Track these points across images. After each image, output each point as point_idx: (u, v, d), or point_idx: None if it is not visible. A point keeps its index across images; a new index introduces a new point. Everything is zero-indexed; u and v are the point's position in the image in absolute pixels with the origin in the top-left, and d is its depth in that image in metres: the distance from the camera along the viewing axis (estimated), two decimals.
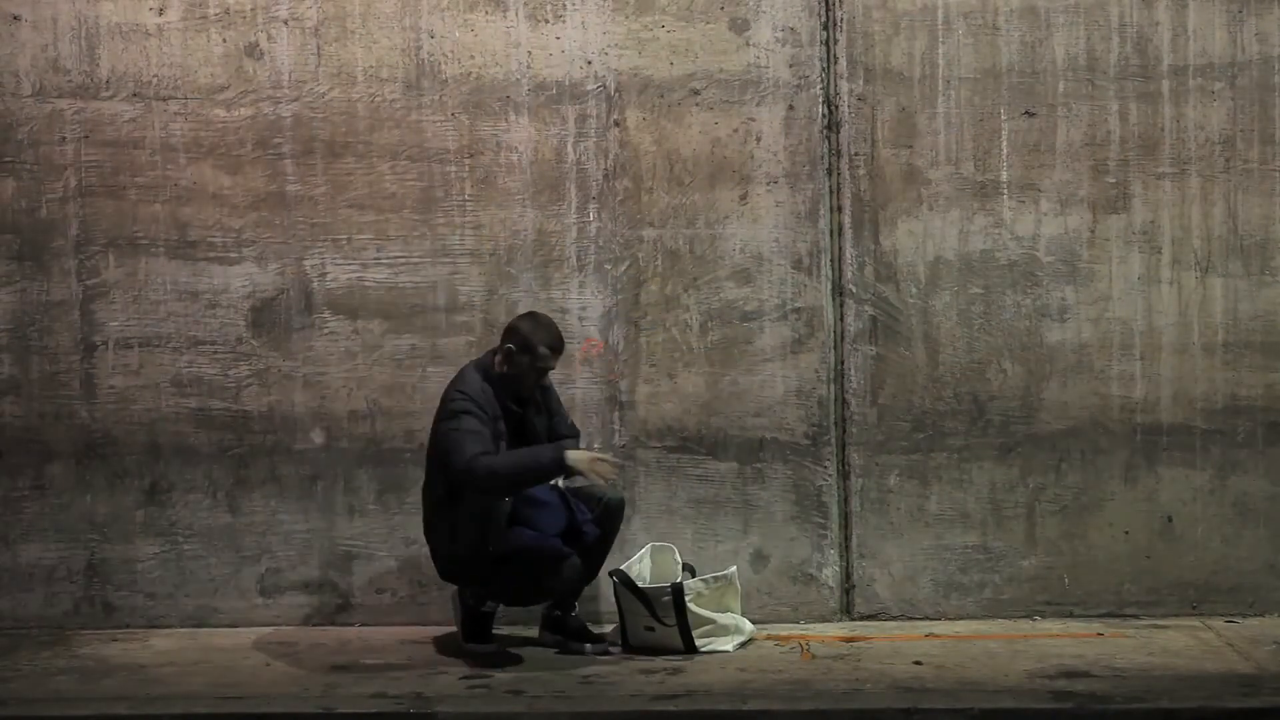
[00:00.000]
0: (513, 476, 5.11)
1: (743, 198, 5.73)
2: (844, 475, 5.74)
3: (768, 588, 5.75)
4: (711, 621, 5.33)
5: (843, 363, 5.73)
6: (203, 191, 5.77)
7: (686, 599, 5.26)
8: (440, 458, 5.17)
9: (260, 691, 4.98)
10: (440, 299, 5.73)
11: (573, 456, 5.06)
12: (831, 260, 5.73)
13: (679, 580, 5.32)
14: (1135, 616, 5.69)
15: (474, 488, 5.08)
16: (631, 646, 5.37)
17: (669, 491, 5.76)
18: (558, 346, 5.28)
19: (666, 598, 5.27)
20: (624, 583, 5.33)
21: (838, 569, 5.75)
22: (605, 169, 5.74)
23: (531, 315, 5.35)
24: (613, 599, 5.44)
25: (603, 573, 5.44)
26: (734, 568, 5.49)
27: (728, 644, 5.33)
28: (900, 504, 5.74)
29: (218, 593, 5.81)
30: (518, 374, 5.23)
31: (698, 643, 5.27)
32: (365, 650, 5.44)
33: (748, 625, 5.45)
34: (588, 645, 5.36)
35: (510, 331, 5.27)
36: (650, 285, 5.76)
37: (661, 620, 5.27)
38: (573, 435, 5.45)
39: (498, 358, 5.25)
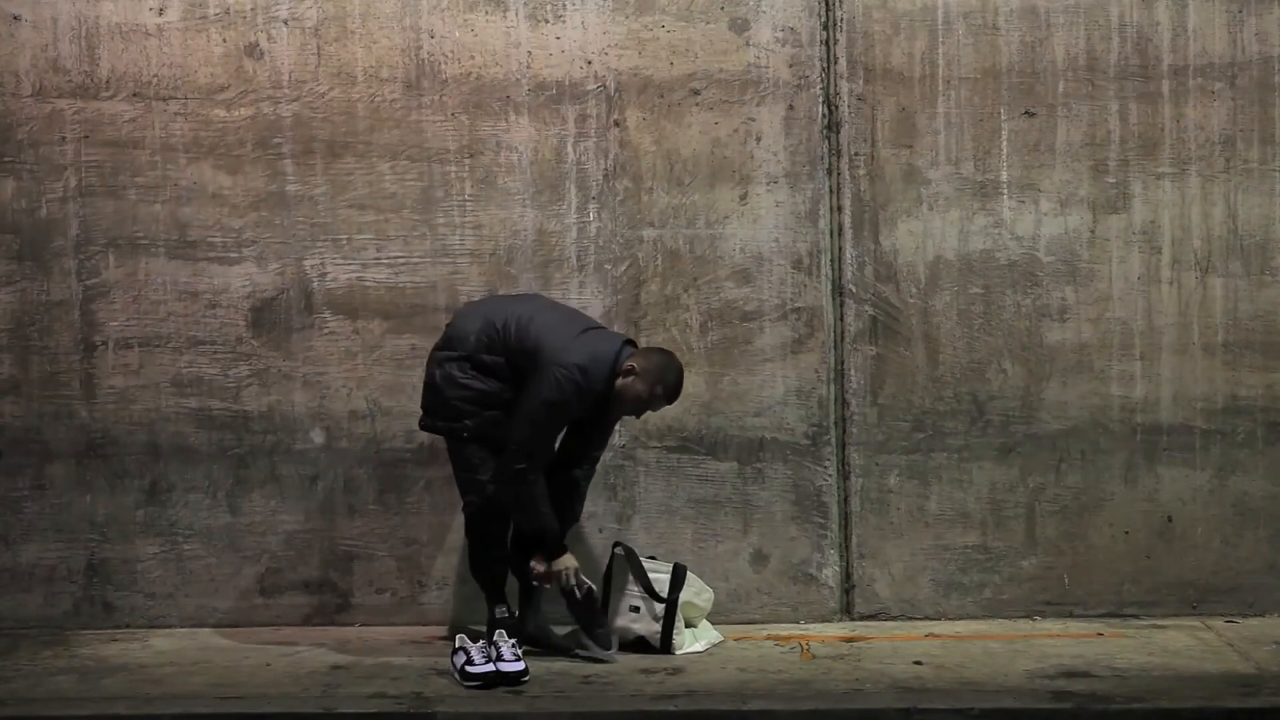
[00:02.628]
0: (523, 513, 5.19)
1: (743, 198, 5.73)
2: (844, 475, 5.74)
3: (768, 588, 5.75)
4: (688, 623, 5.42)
5: (843, 363, 5.73)
6: (203, 191, 5.77)
7: (685, 585, 5.35)
8: (521, 410, 5.13)
9: (260, 691, 4.98)
10: (440, 299, 5.73)
11: (559, 563, 5.23)
12: (831, 260, 5.73)
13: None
14: (1135, 616, 5.69)
15: (502, 472, 5.14)
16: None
17: (669, 491, 5.76)
18: (673, 398, 5.24)
19: (665, 575, 5.35)
20: (627, 554, 5.38)
21: (838, 569, 5.75)
22: (605, 169, 5.74)
23: (666, 354, 5.25)
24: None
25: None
26: (711, 593, 5.52)
27: (699, 645, 5.37)
28: (900, 504, 5.74)
29: (218, 593, 5.81)
30: (621, 398, 5.15)
31: (675, 639, 5.30)
32: (365, 650, 5.45)
33: (715, 634, 5.49)
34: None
35: (644, 355, 5.21)
36: (650, 285, 5.76)
37: (655, 596, 5.30)
38: (590, 463, 5.41)
39: (627, 365, 5.13)
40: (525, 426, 5.10)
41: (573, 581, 5.24)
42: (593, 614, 5.29)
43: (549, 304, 5.48)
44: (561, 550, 5.24)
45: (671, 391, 5.20)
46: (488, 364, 5.22)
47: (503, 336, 5.21)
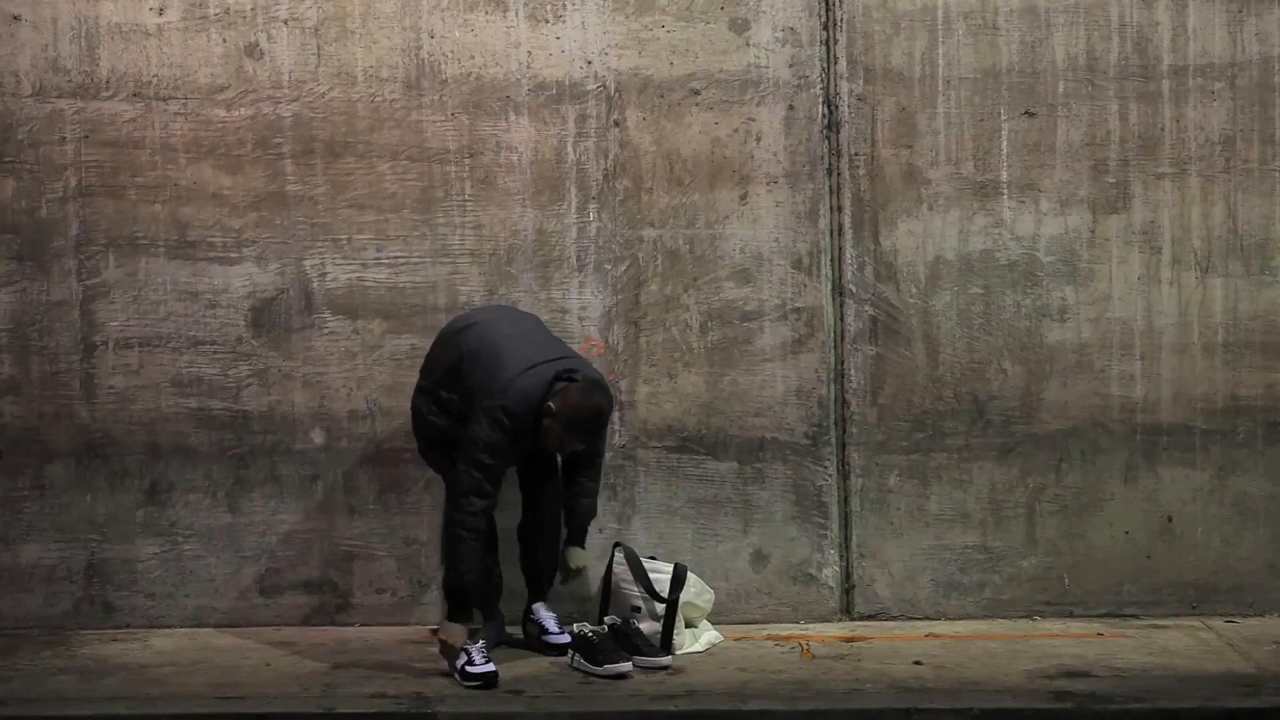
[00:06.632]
0: (459, 562, 5.04)
1: (743, 198, 5.73)
2: (844, 475, 5.74)
3: (768, 588, 5.75)
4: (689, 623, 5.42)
5: (843, 363, 5.73)
6: (203, 191, 5.77)
7: (685, 585, 5.35)
8: (464, 452, 5.00)
9: (260, 691, 4.98)
10: (440, 299, 5.73)
11: (446, 630, 5.05)
12: (831, 260, 5.73)
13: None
14: (1135, 616, 5.69)
15: (451, 503, 5.06)
16: None
17: (669, 491, 5.76)
18: (588, 440, 5.09)
19: (665, 575, 5.35)
20: (628, 556, 5.39)
21: (838, 569, 5.75)
22: (605, 169, 5.74)
23: (586, 393, 4.98)
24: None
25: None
26: (711, 593, 5.51)
27: (699, 645, 5.36)
28: (900, 504, 5.74)
29: (218, 593, 5.81)
30: (544, 437, 5.04)
31: (675, 639, 5.30)
32: (365, 650, 5.45)
33: (715, 634, 5.48)
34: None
35: (563, 396, 4.97)
36: (650, 285, 5.76)
37: (656, 596, 5.30)
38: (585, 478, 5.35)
39: (548, 405, 4.97)
40: (473, 469, 4.97)
41: (451, 657, 5.05)
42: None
43: (512, 333, 5.23)
44: (459, 618, 5.08)
45: (584, 435, 5.03)
46: (443, 400, 5.22)
47: (459, 372, 5.17)
